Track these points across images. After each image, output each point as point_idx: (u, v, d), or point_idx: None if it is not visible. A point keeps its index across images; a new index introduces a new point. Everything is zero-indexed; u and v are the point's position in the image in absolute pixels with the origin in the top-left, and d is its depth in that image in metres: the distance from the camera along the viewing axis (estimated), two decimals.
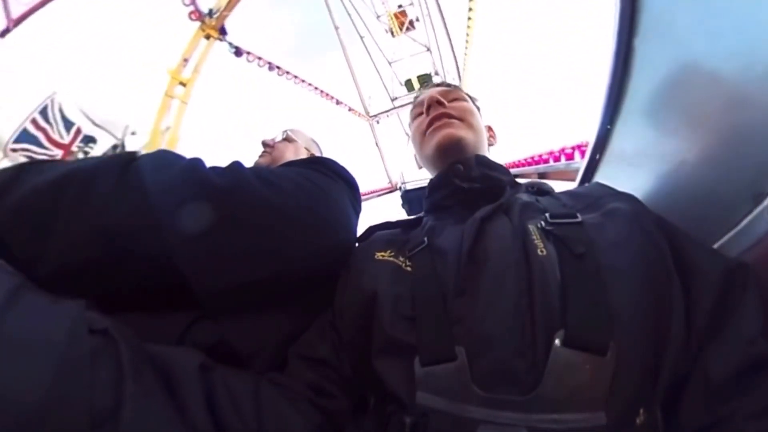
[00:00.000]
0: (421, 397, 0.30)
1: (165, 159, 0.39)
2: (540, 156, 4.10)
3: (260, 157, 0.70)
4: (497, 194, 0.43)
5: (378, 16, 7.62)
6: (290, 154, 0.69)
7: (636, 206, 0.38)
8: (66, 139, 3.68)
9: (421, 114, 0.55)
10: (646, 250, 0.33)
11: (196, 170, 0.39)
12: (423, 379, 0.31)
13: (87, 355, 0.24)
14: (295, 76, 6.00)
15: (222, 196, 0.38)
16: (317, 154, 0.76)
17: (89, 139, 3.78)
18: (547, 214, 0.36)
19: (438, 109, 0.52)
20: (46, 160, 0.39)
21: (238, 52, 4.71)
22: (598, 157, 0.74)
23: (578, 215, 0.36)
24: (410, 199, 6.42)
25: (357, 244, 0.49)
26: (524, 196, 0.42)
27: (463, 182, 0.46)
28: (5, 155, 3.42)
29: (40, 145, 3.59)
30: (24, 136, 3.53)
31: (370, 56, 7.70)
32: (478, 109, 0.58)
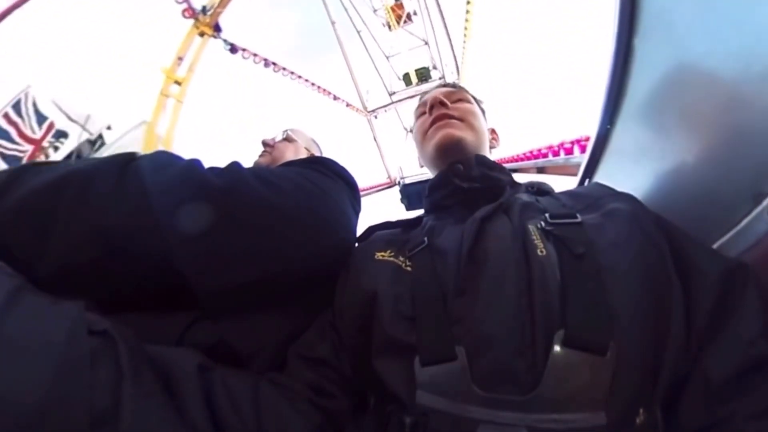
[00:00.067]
0: (421, 396, 0.30)
1: (163, 160, 0.39)
2: (539, 151, 4.09)
3: (260, 156, 0.70)
4: (497, 194, 0.43)
5: (375, 10, 7.52)
6: (290, 154, 0.69)
7: (635, 206, 0.38)
8: (38, 134, 3.60)
9: (424, 113, 0.55)
10: (646, 251, 0.33)
11: (195, 171, 0.39)
12: (423, 379, 0.31)
13: (86, 355, 0.24)
14: (292, 72, 5.94)
15: (220, 196, 0.38)
16: (317, 154, 0.76)
17: (60, 134, 3.70)
18: (546, 215, 0.37)
19: (440, 109, 0.53)
20: (45, 161, 0.39)
21: (233, 49, 4.66)
22: (597, 156, 0.74)
23: (578, 215, 0.36)
24: (409, 193, 6.41)
25: (357, 244, 0.49)
26: (524, 196, 0.43)
27: (463, 182, 0.46)
28: None
29: (10, 140, 3.51)
30: None
31: (367, 51, 7.61)
32: (483, 112, 0.58)
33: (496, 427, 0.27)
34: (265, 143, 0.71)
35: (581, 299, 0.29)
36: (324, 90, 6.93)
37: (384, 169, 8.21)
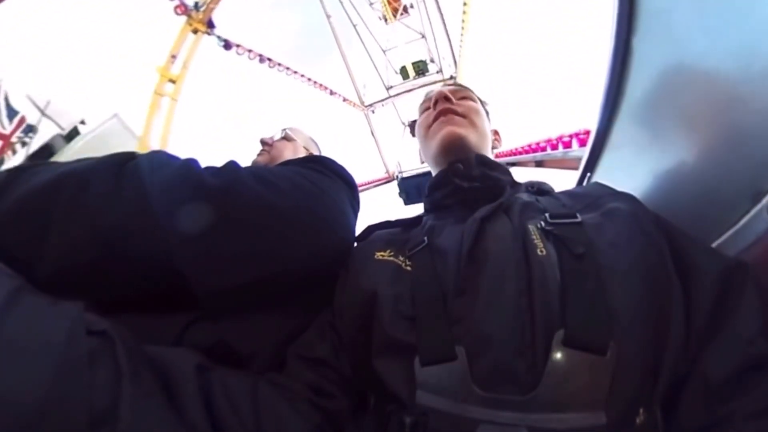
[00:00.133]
0: (421, 396, 0.30)
1: (160, 159, 0.39)
2: (537, 144, 4.08)
3: (258, 155, 0.69)
4: (497, 194, 0.43)
5: (371, 3, 7.39)
6: (289, 153, 0.69)
7: (635, 206, 0.38)
8: (7, 130, 3.51)
9: (428, 108, 0.55)
10: (646, 250, 0.33)
11: (190, 170, 0.39)
12: (423, 378, 0.31)
13: (85, 356, 0.24)
14: (287, 68, 5.87)
15: (216, 196, 0.37)
16: (316, 153, 0.76)
17: (30, 129, 3.64)
18: (546, 214, 0.37)
19: (445, 104, 0.53)
20: (43, 162, 0.39)
21: (227, 45, 4.60)
22: (596, 156, 0.74)
23: (578, 215, 0.36)
24: (407, 187, 6.39)
25: (356, 244, 0.49)
26: (524, 196, 0.43)
27: (463, 181, 0.46)
28: None
29: None
30: None
31: (364, 45, 7.52)
32: (487, 113, 0.58)
33: (496, 427, 0.27)
34: (263, 142, 0.70)
35: (581, 299, 0.29)
36: (320, 85, 6.86)
37: (382, 164, 8.18)
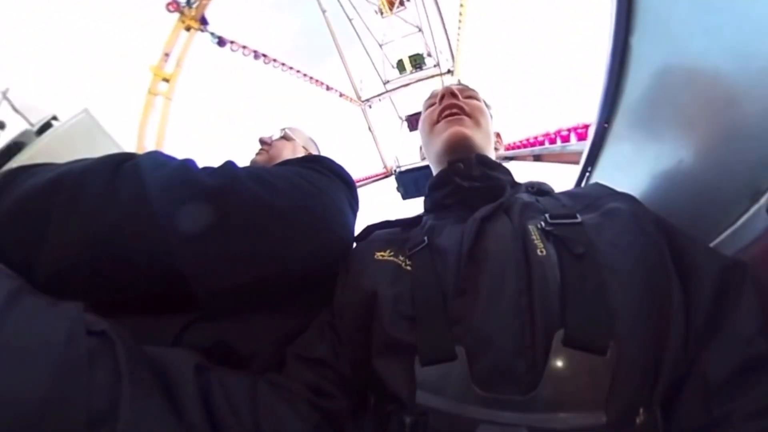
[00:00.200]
0: (421, 396, 0.30)
1: (157, 160, 0.39)
2: (535, 138, 4.06)
3: (257, 154, 0.69)
4: (497, 194, 0.43)
5: None
6: (288, 153, 0.68)
7: (635, 206, 0.38)
8: None
9: (433, 104, 0.55)
10: (646, 250, 0.33)
11: (188, 171, 0.39)
12: (423, 378, 0.31)
13: (85, 356, 0.24)
14: (283, 64, 5.80)
15: (214, 196, 0.37)
16: (315, 152, 0.75)
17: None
18: (547, 215, 0.37)
19: (451, 99, 0.53)
20: (39, 163, 0.39)
21: (221, 42, 4.53)
22: (595, 156, 0.74)
23: (578, 215, 0.36)
24: (405, 181, 6.37)
25: (355, 244, 0.49)
26: (524, 196, 0.43)
27: (464, 181, 0.46)
28: None
29: None
30: None
31: (360, 39, 7.42)
32: (491, 116, 0.58)
33: (496, 427, 0.27)
34: (262, 141, 0.70)
35: (581, 299, 0.29)
36: (317, 81, 6.79)
37: (380, 159, 8.15)
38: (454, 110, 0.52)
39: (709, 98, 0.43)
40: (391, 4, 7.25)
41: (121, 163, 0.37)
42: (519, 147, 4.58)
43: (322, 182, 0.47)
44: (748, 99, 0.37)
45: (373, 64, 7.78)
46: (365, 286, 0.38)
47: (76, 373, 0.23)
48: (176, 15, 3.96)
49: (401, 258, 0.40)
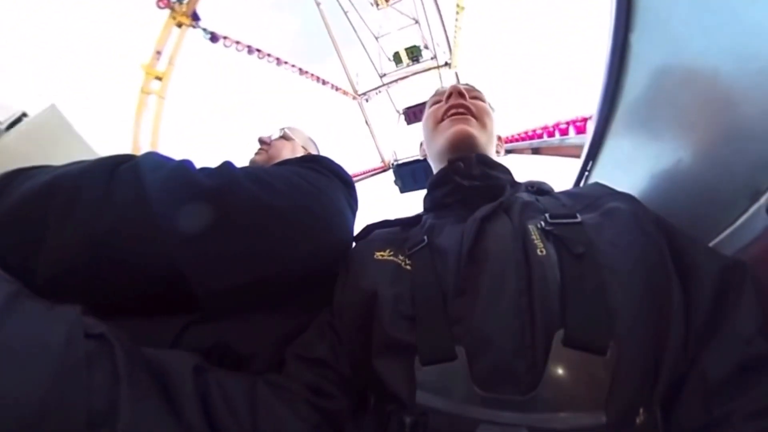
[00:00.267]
0: (421, 396, 0.30)
1: (155, 161, 0.39)
2: (534, 131, 4.04)
3: (256, 154, 0.69)
4: (497, 193, 0.43)
5: None
6: (287, 152, 0.68)
7: (635, 206, 0.38)
8: None
9: (438, 102, 0.55)
10: (646, 250, 0.33)
11: (186, 171, 0.39)
12: (423, 378, 0.31)
13: (83, 359, 0.24)
14: (277, 59, 5.72)
15: (212, 197, 0.37)
16: (314, 152, 0.75)
17: None
18: (546, 214, 0.37)
19: (458, 99, 0.53)
20: (36, 166, 0.39)
21: (213, 37, 4.45)
22: (594, 155, 0.73)
23: (578, 215, 0.36)
24: (402, 174, 6.35)
25: (355, 243, 0.49)
26: (524, 196, 0.43)
27: (464, 180, 0.46)
28: None
29: None
30: None
31: (356, 31, 7.30)
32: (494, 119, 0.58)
33: (496, 427, 0.27)
34: (261, 141, 0.70)
35: (581, 299, 0.29)
36: (312, 75, 6.71)
37: (377, 154, 8.11)
38: (461, 110, 0.52)
39: (709, 97, 0.42)
40: None
41: (118, 165, 0.37)
42: (517, 140, 4.56)
43: (321, 182, 0.47)
44: (747, 99, 0.36)
45: (369, 56, 7.68)
46: (365, 286, 0.38)
47: (74, 376, 0.23)
48: (159, 8, 3.87)
49: (401, 257, 0.40)
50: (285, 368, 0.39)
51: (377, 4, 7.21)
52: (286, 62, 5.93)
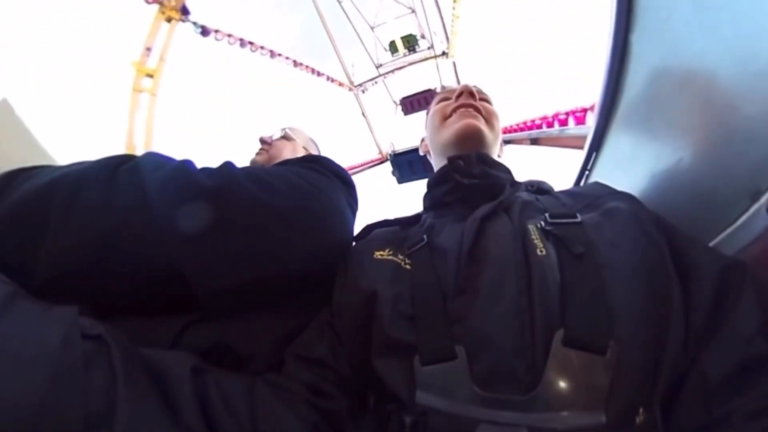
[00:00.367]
0: (421, 396, 0.30)
1: (156, 161, 0.39)
2: (532, 121, 4.00)
3: (257, 154, 0.69)
4: (497, 192, 0.43)
5: None
6: (288, 153, 0.68)
7: (635, 205, 0.38)
8: None
9: (446, 99, 0.55)
10: (646, 250, 0.33)
11: (187, 172, 0.39)
12: (423, 378, 0.31)
13: (81, 360, 0.24)
14: (271, 51, 5.61)
15: (212, 197, 0.37)
16: (315, 153, 0.75)
17: None
18: (546, 214, 0.37)
19: (468, 98, 0.53)
20: (36, 165, 0.38)
21: (204, 31, 4.34)
22: (594, 154, 0.73)
23: (578, 215, 0.36)
24: (400, 163, 6.30)
25: (355, 243, 0.49)
26: (524, 195, 0.43)
27: (463, 178, 0.46)
28: None
29: None
30: None
31: (350, 21, 7.13)
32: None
33: (496, 426, 0.27)
34: (262, 141, 0.70)
35: (581, 299, 0.29)
36: (306, 66, 6.59)
37: (375, 145, 8.03)
38: (470, 109, 0.52)
39: (709, 97, 0.42)
40: None
41: (118, 166, 0.37)
42: (516, 130, 4.51)
43: (321, 182, 0.47)
44: (748, 99, 0.36)
45: (364, 46, 7.52)
46: (364, 285, 0.38)
47: (72, 377, 0.23)
48: (147, 3, 3.76)
49: (400, 257, 0.40)
50: (284, 368, 0.39)
51: None
52: (279, 54, 5.82)
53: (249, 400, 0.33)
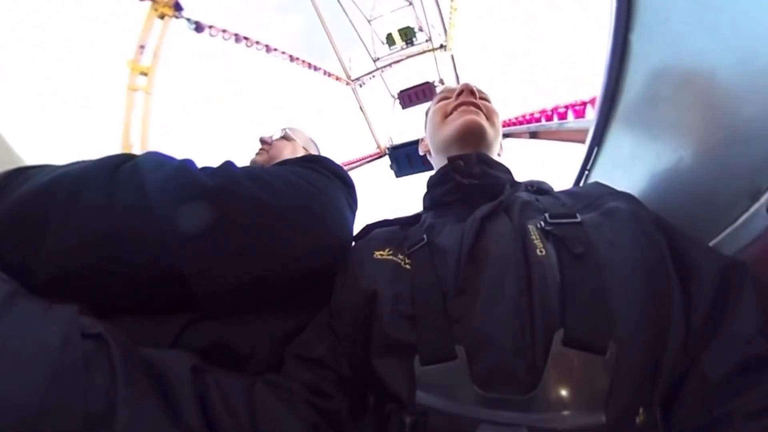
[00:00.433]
0: (421, 396, 0.30)
1: (156, 161, 0.39)
2: (531, 115, 3.97)
3: (257, 155, 0.69)
4: (497, 192, 0.43)
5: None
6: (288, 153, 0.68)
7: (635, 205, 0.38)
8: None
9: (446, 98, 0.55)
10: (646, 250, 0.33)
11: (187, 171, 0.38)
12: (423, 378, 0.31)
13: (80, 359, 0.24)
14: (266, 45, 5.53)
15: (212, 196, 0.37)
16: (315, 153, 0.75)
17: None
18: (546, 214, 0.37)
19: (469, 96, 0.53)
20: (36, 165, 0.38)
21: (198, 27, 4.27)
22: (594, 154, 0.73)
23: (578, 215, 0.36)
24: (398, 156, 6.25)
25: (354, 243, 0.49)
26: (524, 195, 0.43)
27: (463, 178, 0.46)
28: None
29: None
30: None
31: (347, 14, 7.02)
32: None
33: (495, 426, 0.27)
34: (262, 141, 0.70)
35: (580, 299, 0.29)
36: (303, 61, 6.51)
37: (373, 140, 7.99)
38: (471, 107, 0.52)
39: (710, 97, 0.42)
40: None
41: (118, 165, 0.37)
42: (515, 124, 4.48)
43: (321, 182, 0.47)
44: (748, 98, 0.36)
45: (361, 40, 7.42)
46: (364, 285, 0.38)
47: (72, 377, 0.23)
48: (140, 0, 3.68)
49: (400, 257, 0.40)
50: (284, 368, 0.39)
51: None
52: (275, 49, 5.74)
53: (249, 400, 0.33)
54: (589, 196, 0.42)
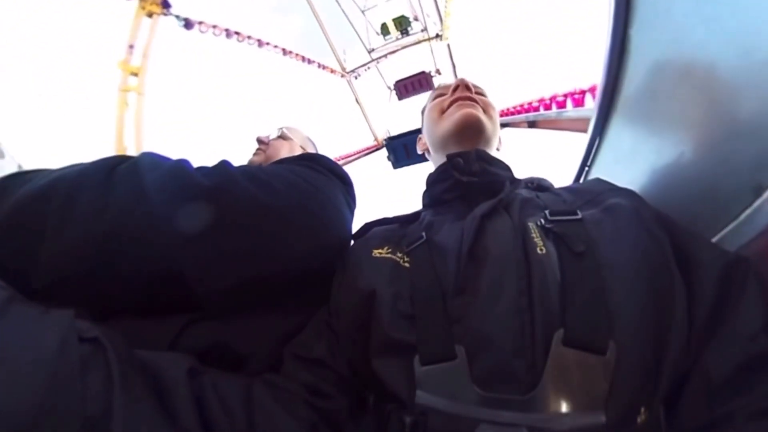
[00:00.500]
0: (421, 396, 0.30)
1: (152, 161, 0.39)
2: (530, 104, 3.93)
3: (254, 154, 0.69)
4: (496, 190, 0.43)
5: None
6: (285, 152, 0.68)
7: (636, 202, 0.38)
8: None
9: (443, 95, 0.55)
10: (647, 247, 0.33)
11: (183, 171, 0.38)
12: (423, 378, 0.31)
13: (77, 363, 0.24)
14: (258, 40, 5.43)
15: (209, 196, 0.37)
16: (312, 152, 0.74)
17: None
18: (546, 212, 0.36)
19: (464, 91, 0.53)
20: (33, 169, 0.38)
21: (188, 24, 4.18)
22: (594, 150, 0.72)
23: (578, 212, 0.36)
24: (395, 147, 6.18)
25: (353, 241, 0.49)
26: (524, 192, 0.42)
27: (462, 176, 0.46)
28: None
29: None
30: None
31: (340, 5, 6.86)
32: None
33: (495, 426, 0.27)
34: (259, 140, 0.70)
35: (581, 298, 0.29)
36: (296, 54, 6.39)
37: (370, 132, 7.92)
38: (467, 101, 0.52)
39: (711, 90, 0.42)
40: None
41: (115, 167, 0.37)
42: (513, 113, 4.44)
43: (319, 180, 0.47)
44: (750, 91, 0.36)
45: (356, 31, 7.28)
46: (363, 285, 0.38)
47: (69, 381, 0.23)
48: (135, 2, 3.59)
49: (399, 255, 0.40)
50: (283, 368, 0.39)
51: None
52: (267, 43, 5.63)
53: (246, 402, 0.33)
54: (590, 193, 0.41)
